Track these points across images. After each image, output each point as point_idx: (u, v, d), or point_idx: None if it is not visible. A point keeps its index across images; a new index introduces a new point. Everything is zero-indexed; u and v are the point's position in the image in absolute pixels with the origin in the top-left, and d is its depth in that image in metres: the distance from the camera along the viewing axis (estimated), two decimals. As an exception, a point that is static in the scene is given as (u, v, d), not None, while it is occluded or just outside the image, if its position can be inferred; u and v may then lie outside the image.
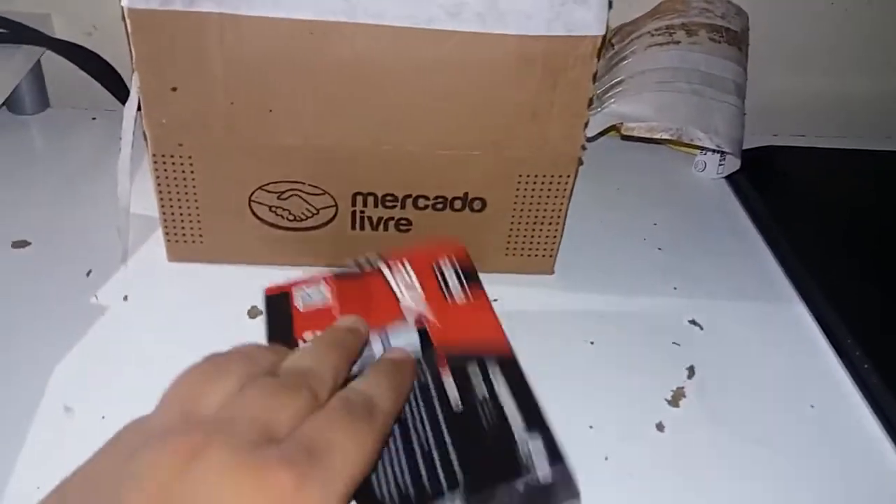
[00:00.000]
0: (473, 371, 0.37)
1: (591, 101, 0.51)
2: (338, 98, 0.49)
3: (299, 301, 0.43)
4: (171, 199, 0.53)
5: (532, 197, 0.54)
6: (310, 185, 0.52)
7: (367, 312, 0.39)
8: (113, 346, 0.49)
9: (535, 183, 0.54)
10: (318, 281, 0.44)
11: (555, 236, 0.57)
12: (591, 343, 0.53)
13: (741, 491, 0.44)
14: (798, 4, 0.80)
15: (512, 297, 0.56)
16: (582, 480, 0.43)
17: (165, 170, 0.51)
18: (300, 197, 0.53)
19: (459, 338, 0.40)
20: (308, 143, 0.50)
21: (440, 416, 0.35)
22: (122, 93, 0.74)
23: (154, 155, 0.50)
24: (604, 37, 0.48)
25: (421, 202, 0.54)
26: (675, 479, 0.44)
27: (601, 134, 0.71)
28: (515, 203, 0.55)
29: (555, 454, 0.34)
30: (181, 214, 0.53)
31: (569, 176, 0.53)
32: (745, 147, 0.71)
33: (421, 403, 0.35)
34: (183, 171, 0.51)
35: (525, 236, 0.57)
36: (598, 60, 0.49)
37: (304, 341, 0.40)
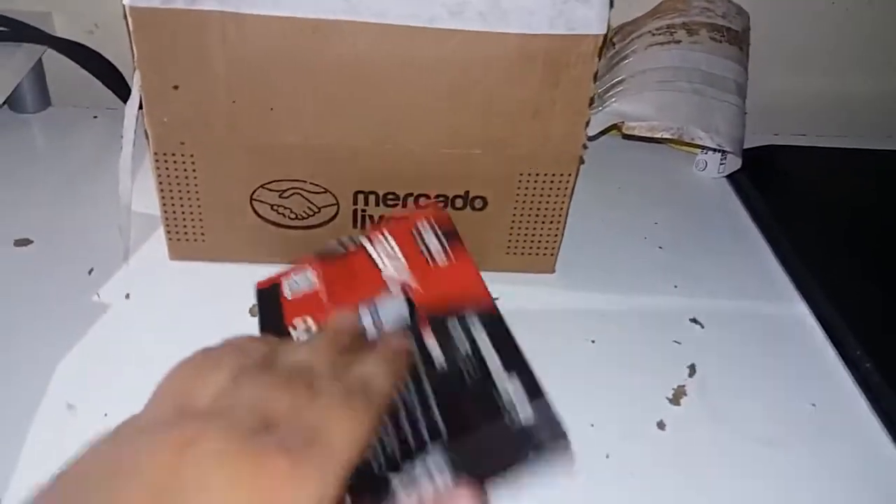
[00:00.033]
0: (454, 327, 0.37)
1: (592, 100, 0.51)
2: (339, 97, 0.49)
3: (287, 290, 0.43)
4: (172, 198, 0.53)
5: (533, 195, 0.54)
6: (311, 183, 0.52)
7: (353, 290, 0.39)
8: (114, 344, 0.49)
9: (536, 181, 0.54)
10: (305, 268, 0.44)
11: (556, 235, 0.57)
12: (592, 342, 0.53)
13: (742, 489, 0.44)
14: (799, 4, 0.80)
15: (513, 295, 0.56)
16: (583, 479, 0.43)
17: (167, 168, 0.51)
18: (302, 195, 0.53)
19: (441, 298, 0.40)
20: (310, 142, 0.50)
21: (424, 378, 0.35)
22: (123, 91, 0.74)
23: (156, 153, 0.50)
24: (605, 35, 0.48)
25: (422, 201, 0.54)
26: (676, 477, 0.44)
27: (602, 133, 0.71)
28: (517, 202, 0.55)
29: (534, 392, 0.33)
30: (183, 213, 0.53)
31: (570, 174, 0.54)
32: (746, 146, 0.71)
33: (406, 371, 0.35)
34: (185, 170, 0.51)
35: (526, 235, 0.57)
36: (600, 59, 0.49)
37: (295, 328, 0.40)
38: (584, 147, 0.53)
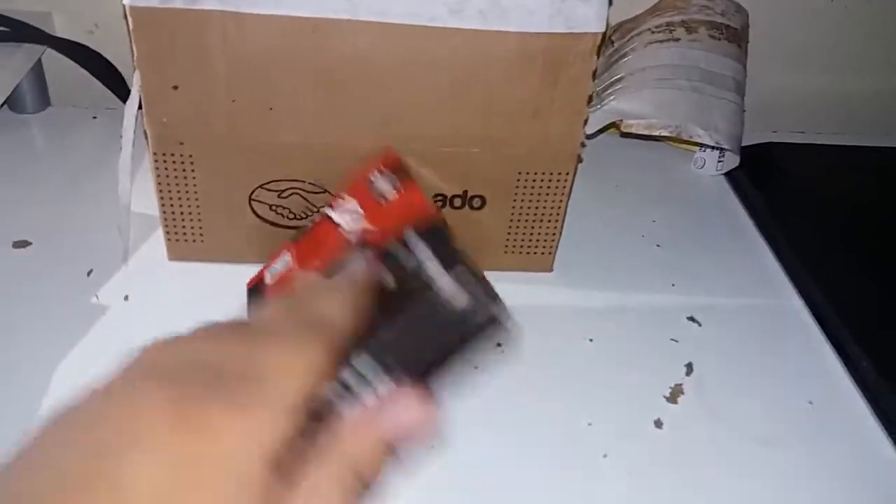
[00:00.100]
0: (397, 250, 0.37)
1: (590, 99, 0.51)
2: (339, 96, 0.49)
3: (268, 277, 0.43)
4: (171, 198, 0.53)
5: (532, 194, 0.55)
6: (310, 183, 0.53)
7: (320, 257, 0.39)
8: (114, 345, 0.49)
9: (534, 180, 0.54)
10: (283, 252, 0.45)
11: (554, 234, 0.57)
12: (590, 340, 0.53)
13: (740, 487, 0.44)
14: (798, 2, 0.80)
15: (510, 294, 0.56)
16: (581, 478, 0.44)
17: (166, 168, 0.51)
18: (300, 195, 0.53)
19: (391, 230, 0.40)
20: (309, 142, 0.51)
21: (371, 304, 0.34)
22: (123, 91, 0.74)
23: (155, 154, 0.51)
24: (604, 34, 0.48)
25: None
26: (673, 475, 0.44)
27: (601, 131, 0.71)
28: (515, 200, 0.55)
29: (467, 278, 0.31)
30: (181, 213, 0.53)
31: (568, 173, 0.54)
32: (744, 144, 0.71)
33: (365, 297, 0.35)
34: (184, 170, 0.51)
35: (524, 234, 0.57)
36: (598, 57, 0.49)
37: None
38: (583, 145, 0.53)
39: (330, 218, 0.44)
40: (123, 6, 0.45)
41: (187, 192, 0.52)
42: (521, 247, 0.58)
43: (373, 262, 0.35)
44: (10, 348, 0.48)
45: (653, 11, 0.74)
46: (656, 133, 0.66)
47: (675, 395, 0.49)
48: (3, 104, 0.69)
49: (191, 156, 0.51)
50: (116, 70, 0.75)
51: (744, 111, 0.71)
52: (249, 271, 0.54)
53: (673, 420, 0.48)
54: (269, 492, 0.23)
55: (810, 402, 0.50)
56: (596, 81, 0.72)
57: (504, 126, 0.51)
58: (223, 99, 0.48)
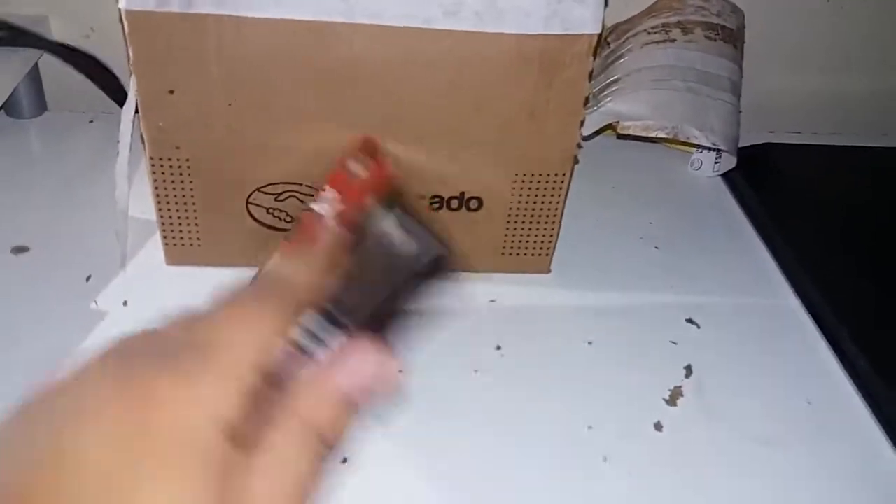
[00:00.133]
0: (359, 216, 0.37)
1: (587, 100, 0.51)
2: (335, 98, 0.49)
3: None
4: (168, 203, 0.53)
5: (528, 196, 0.55)
6: (307, 186, 0.53)
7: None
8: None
9: (531, 182, 0.54)
10: (275, 252, 0.45)
11: (551, 235, 0.57)
12: (589, 343, 0.53)
13: (740, 488, 0.44)
14: (794, 2, 0.80)
15: (509, 296, 0.57)
16: (581, 481, 0.44)
17: (163, 173, 0.51)
18: (297, 198, 0.53)
19: (359, 206, 0.40)
20: (305, 144, 0.51)
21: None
22: (119, 96, 0.74)
23: (151, 158, 0.51)
24: (600, 35, 0.48)
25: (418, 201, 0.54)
26: (674, 477, 0.45)
27: (597, 133, 0.71)
28: (512, 202, 0.55)
29: (410, 224, 0.31)
30: (179, 217, 0.53)
31: (565, 174, 0.54)
32: (741, 145, 0.71)
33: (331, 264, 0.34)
34: (180, 174, 0.51)
35: (521, 235, 0.57)
36: (595, 59, 0.49)
37: None
38: (579, 147, 0.53)
39: (312, 210, 0.45)
40: (119, 10, 0.45)
41: (184, 196, 0.52)
42: (519, 248, 0.58)
43: (341, 233, 0.34)
44: (9, 353, 0.48)
45: (648, 13, 0.74)
46: (652, 134, 0.66)
47: (674, 397, 0.50)
48: (-1, 109, 0.69)
49: (187, 160, 0.51)
50: (113, 74, 0.74)
51: (740, 112, 0.71)
52: (247, 275, 0.54)
53: (673, 422, 0.48)
54: (228, 460, 0.22)
55: (809, 403, 0.50)
56: (592, 83, 0.72)
57: (500, 127, 0.51)
58: (219, 102, 0.49)
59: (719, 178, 0.74)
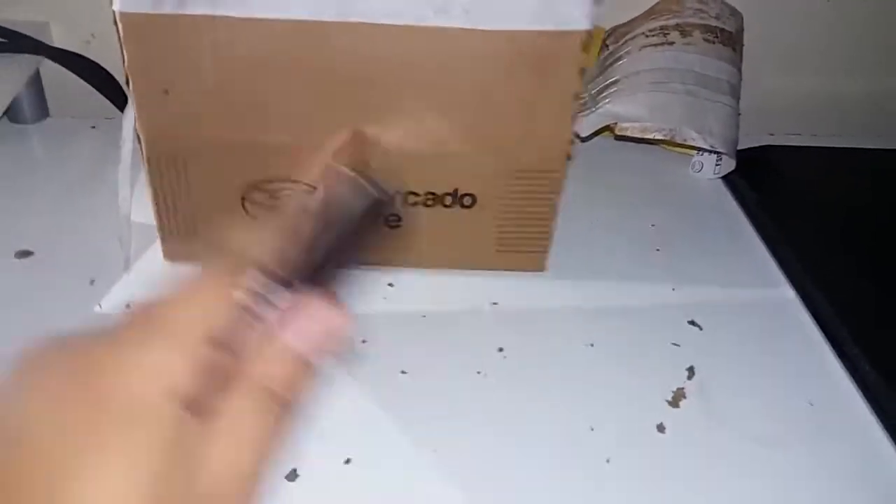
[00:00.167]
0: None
1: (578, 96, 0.51)
2: (328, 97, 0.49)
3: None
4: (165, 200, 0.53)
5: (522, 193, 0.55)
6: (303, 183, 0.53)
7: None
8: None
9: (525, 179, 0.54)
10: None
11: (546, 233, 0.57)
12: (591, 345, 0.53)
13: (743, 490, 0.44)
14: (794, 4, 0.80)
15: (511, 298, 0.57)
16: (584, 482, 0.44)
17: (159, 171, 0.52)
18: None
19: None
20: (300, 142, 0.51)
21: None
22: (120, 101, 0.74)
23: (148, 157, 0.51)
24: (590, 31, 0.48)
25: (411, 198, 0.54)
26: (677, 479, 0.45)
27: (595, 134, 0.71)
28: (506, 199, 0.55)
29: (344, 176, 0.30)
30: (176, 215, 0.54)
31: (559, 172, 0.54)
32: (741, 147, 0.71)
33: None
34: (177, 172, 0.52)
35: (516, 233, 0.57)
36: (586, 54, 0.49)
37: None
38: (572, 144, 0.53)
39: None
40: (114, 12, 0.45)
41: (181, 193, 0.53)
42: (514, 246, 0.58)
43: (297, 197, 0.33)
44: (13, 359, 0.48)
45: (647, 15, 0.74)
46: (650, 136, 0.67)
47: (677, 399, 0.50)
48: (1, 115, 0.69)
49: (183, 158, 0.51)
50: (114, 80, 0.75)
51: (739, 114, 0.71)
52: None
53: (675, 424, 0.48)
54: (181, 428, 0.22)
55: (811, 404, 0.50)
56: (590, 84, 0.73)
57: (492, 125, 0.51)
58: (214, 102, 0.49)
59: (720, 180, 0.74)
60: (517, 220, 0.56)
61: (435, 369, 0.50)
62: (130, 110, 0.51)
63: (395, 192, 0.30)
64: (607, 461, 0.45)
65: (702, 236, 0.67)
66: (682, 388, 0.50)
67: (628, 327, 0.55)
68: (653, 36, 0.71)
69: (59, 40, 0.75)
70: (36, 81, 0.73)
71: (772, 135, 0.83)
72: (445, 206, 0.55)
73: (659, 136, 0.66)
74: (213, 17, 0.46)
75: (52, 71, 0.73)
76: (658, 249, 0.64)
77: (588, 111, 0.68)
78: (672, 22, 0.71)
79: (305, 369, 0.25)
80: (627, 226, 0.67)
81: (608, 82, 0.70)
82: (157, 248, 0.57)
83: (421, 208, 0.55)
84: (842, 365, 0.53)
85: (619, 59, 0.71)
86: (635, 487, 0.44)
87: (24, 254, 0.57)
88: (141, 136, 0.50)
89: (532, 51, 0.48)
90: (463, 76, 0.49)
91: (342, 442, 0.45)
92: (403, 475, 0.43)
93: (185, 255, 0.56)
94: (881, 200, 0.72)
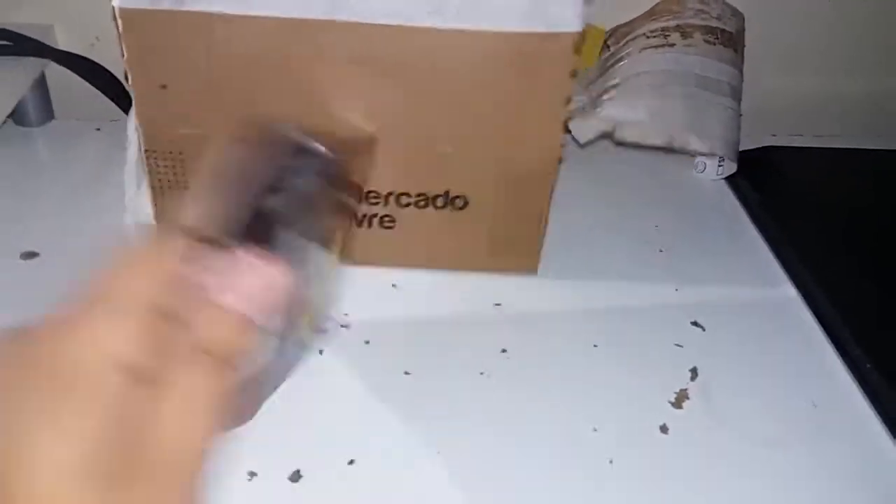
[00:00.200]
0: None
1: (570, 99, 0.51)
2: (321, 94, 0.50)
3: None
4: (163, 194, 0.54)
5: (513, 195, 0.55)
6: None
7: None
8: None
9: (515, 181, 0.54)
10: None
11: (538, 235, 0.57)
12: (594, 346, 0.54)
13: (746, 491, 0.44)
14: (796, 4, 0.80)
15: (514, 299, 0.57)
16: (587, 483, 0.44)
17: (157, 165, 0.52)
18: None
19: None
20: None
21: None
22: (125, 102, 0.74)
23: (146, 150, 0.52)
24: (581, 33, 0.48)
25: (403, 199, 0.55)
26: (679, 480, 0.45)
27: (594, 139, 0.71)
28: (497, 201, 0.55)
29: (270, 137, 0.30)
30: (173, 208, 0.54)
31: (550, 174, 0.54)
32: (744, 147, 0.71)
33: None
34: (174, 167, 0.53)
35: (508, 235, 0.57)
36: (577, 56, 0.49)
37: None
38: (564, 147, 0.53)
39: None
40: (113, 8, 0.46)
41: (178, 188, 0.53)
42: (506, 248, 0.58)
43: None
44: None
45: (648, 16, 0.74)
46: (649, 143, 0.66)
47: (680, 400, 0.50)
48: (7, 118, 0.69)
49: (181, 153, 0.52)
50: (119, 82, 0.75)
51: (740, 116, 0.71)
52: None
53: (678, 425, 0.48)
54: (127, 396, 0.22)
55: (814, 405, 0.50)
56: (591, 86, 0.73)
57: (482, 126, 0.52)
58: (211, 97, 0.50)
59: (723, 181, 0.74)
60: (509, 222, 0.56)
61: (438, 370, 0.50)
62: (135, 112, 0.51)
63: (340, 154, 0.29)
64: (610, 462, 0.45)
65: (704, 237, 0.67)
66: (685, 389, 0.50)
67: (631, 328, 0.55)
68: (653, 37, 0.71)
69: (63, 43, 0.75)
70: (41, 84, 0.74)
71: (774, 135, 0.83)
72: (437, 207, 0.55)
73: (658, 143, 0.66)
74: (210, 14, 0.47)
75: (57, 73, 0.74)
76: (661, 250, 0.64)
77: (587, 115, 0.68)
78: (673, 23, 0.71)
79: (248, 329, 0.25)
80: (630, 226, 0.67)
81: (608, 85, 0.70)
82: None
83: (413, 209, 0.55)
84: (844, 365, 0.53)
85: (620, 60, 0.71)
86: (638, 488, 0.44)
87: (30, 255, 0.57)
88: (139, 130, 0.51)
89: (522, 52, 0.48)
90: (453, 76, 0.50)
91: (345, 443, 0.45)
92: (407, 476, 0.44)
93: None
94: (885, 202, 0.72)
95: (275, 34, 0.47)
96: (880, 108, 0.87)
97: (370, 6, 0.47)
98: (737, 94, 0.71)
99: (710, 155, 0.73)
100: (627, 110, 0.67)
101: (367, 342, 0.51)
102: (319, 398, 0.47)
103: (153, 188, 0.53)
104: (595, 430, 0.47)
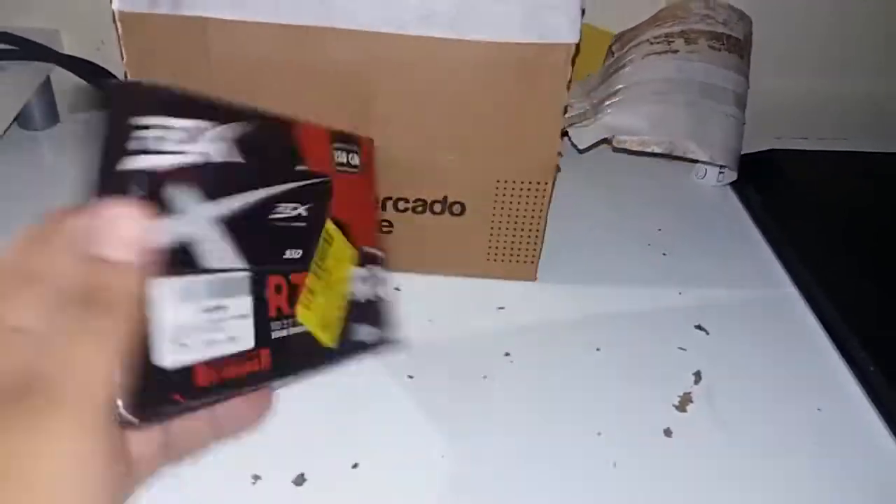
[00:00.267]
0: None
1: (566, 109, 0.51)
2: (318, 101, 0.50)
3: None
4: None
5: (511, 203, 0.55)
6: None
7: None
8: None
9: (512, 189, 0.54)
10: None
11: (535, 243, 0.57)
12: (598, 349, 0.54)
13: (750, 495, 0.44)
14: (796, 5, 0.80)
15: (518, 304, 0.57)
16: (591, 487, 0.44)
17: None
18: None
19: None
20: None
21: None
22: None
23: None
24: (578, 44, 0.48)
25: (401, 205, 0.55)
26: (683, 484, 0.45)
27: (594, 146, 0.71)
28: (494, 208, 0.55)
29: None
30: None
31: (546, 183, 0.54)
32: (747, 150, 0.71)
33: None
34: None
35: (506, 242, 0.57)
36: (574, 67, 0.49)
37: None
38: (561, 156, 0.53)
39: None
40: (113, 11, 0.46)
41: None
42: (504, 255, 0.58)
43: None
44: None
45: (653, 21, 0.74)
46: (649, 149, 0.66)
47: (683, 403, 0.50)
48: (13, 121, 0.69)
49: None
50: (124, 86, 0.75)
51: (743, 123, 0.71)
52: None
53: (682, 428, 0.48)
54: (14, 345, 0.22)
55: (819, 409, 0.50)
56: (593, 93, 0.72)
57: (478, 134, 0.52)
58: None
59: (726, 184, 0.74)
60: (506, 229, 0.56)
61: (441, 374, 0.50)
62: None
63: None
64: (614, 465, 0.45)
65: (707, 240, 0.67)
66: (689, 393, 0.50)
67: (635, 332, 0.55)
68: (657, 43, 0.71)
69: (69, 47, 0.75)
70: (46, 88, 0.74)
71: (778, 138, 0.83)
72: (435, 213, 0.55)
73: (658, 150, 0.66)
74: (205, 19, 0.47)
75: (62, 77, 0.74)
76: (665, 254, 0.64)
77: (588, 122, 0.68)
78: (677, 29, 0.71)
79: (117, 270, 0.25)
80: (633, 230, 0.67)
81: (611, 91, 0.70)
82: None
83: (411, 214, 0.55)
84: (848, 368, 0.53)
85: (623, 66, 0.71)
86: (642, 491, 0.44)
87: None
88: None
89: (517, 62, 0.49)
90: (449, 85, 0.50)
91: (350, 446, 0.45)
92: (411, 479, 0.44)
93: None
94: (885, 203, 0.72)
95: (271, 40, 0.48)
96: (880, 109, 0.87)
97: (361, 12, 0.47)
98: (741, 102, 0.70)
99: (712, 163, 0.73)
100: (628, 118, 0.67)
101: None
102: (323, 402, 0.47)
103: None
104: (599, 433, 0.47)
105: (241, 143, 0.32)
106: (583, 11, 0.48)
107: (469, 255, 0.58)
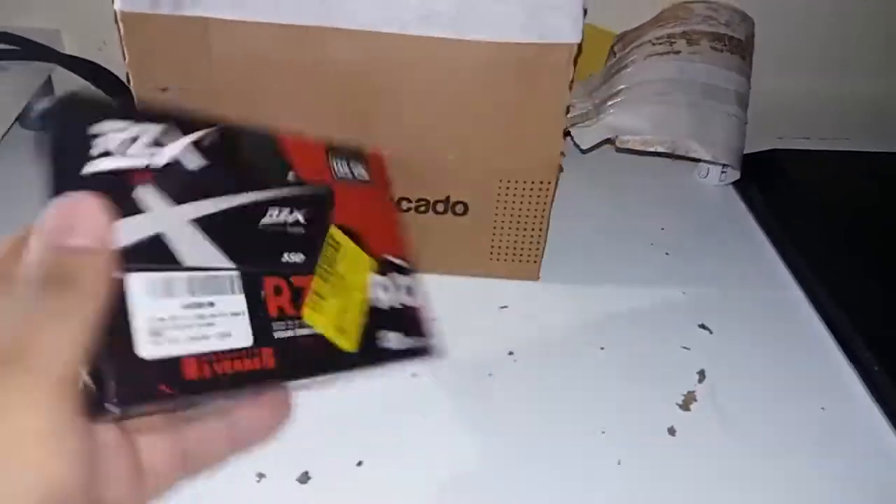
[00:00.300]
0: None
1: (568, 109, 0.51)
2: (319, 101, 0.50)
3: None
4: None
5: (513, 203, 0.55)
6: None
7: None
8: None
9: (515, 189, 0.54)
10: None
11: (538, 243, 0.57)
12: (602, 348, 0.53)
13: (753, 494, 0.44)
14: (796, 5, 0.80)
15: (521, 302, 0.57)
16: (595, 485, 0.44)
17: None
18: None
19: None
20: None
21: None
22: (131, 107, 0.75)
23: None
24: (580, 44, 0.48)
25: (404, 204, 0.55)
26: (687, 482, 0.45)
27: (596, 146, 0.71)
28: (497, 208, 0.55)
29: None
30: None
31: (549, 183, 0.54)
32: (750, 150, 0.71)
33: None
34: None
35: (509, 242, 0.57)
36: (575, 67, 0.49)
37: None
38: (563, 156, 0.53)
39: None
40: (114, 11, 0.46)
41: None
42: (507, 254, 0.58)
43: None
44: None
45: (655, 22, 0.74)
46: (652, 149, 0.66)
47: (687, 402, 0.50)
48: (13, 121, 0.69)
49: None
50: (124, 85, 0.75)
51: (746, 124, 0.71)
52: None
53: (686, 427, 0.48)
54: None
55: (822, 408, 0.50)
56: (595, 93, 0.73)
57: (480, 134, 0.52)
58: (209, 101, 0.50)
59: (729, 184, 0.74)
60: (509, 229, 0.56)
61: (445, 372, 0.50)
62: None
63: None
64: (618, 463, 0.45)
65: (710, 239, 0.67)
66: (693, 392, 0.50)
67: (638, 331, 0.55)
68: (659, 44, 0.71)
69: (70, 47, 0.75)
70: (48, 88, 0.74)
71: (780, 138, 0.83)
72: (438, 212, 0.55)
73: (660, 149, 0.66)
74: (206, 19, 0.47)
75: (63, 77, 0.74)
76: (667, 253, 0.64)
77: (591, 122, 0.68)
78: (679, 30, 0.71)
79: (86, 255, 0.25)
80: (636, 229, 0.67)
81: (613, 91, 0.70)
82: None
83: (413, 214, 0.55)
84: (852, 368, 0.53)
85: (625, 67, 0.71)
86: (646, 490, 0.44)
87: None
88: None
89: (518, 62, 0.49)
90: (449, 85, 0.50)
91: (354, 444, 0.45)
92: (414, 477, 0.44)
93: None
94: (888, 203, 0.72)
95: (272, 40, 0.48)
96: (881, 109, 0.87)
97: (362, 12, 0.47)
98: (743, 102, 0.70)
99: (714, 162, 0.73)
100: (631, 118, 0.67)
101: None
102: (327, 400, 0.47)
103: None
104: (603, 431, 0.47)
105: (210, 151, 0.33)
106: (585, 11, 0.48)
107: (472, 255, 0.58)
